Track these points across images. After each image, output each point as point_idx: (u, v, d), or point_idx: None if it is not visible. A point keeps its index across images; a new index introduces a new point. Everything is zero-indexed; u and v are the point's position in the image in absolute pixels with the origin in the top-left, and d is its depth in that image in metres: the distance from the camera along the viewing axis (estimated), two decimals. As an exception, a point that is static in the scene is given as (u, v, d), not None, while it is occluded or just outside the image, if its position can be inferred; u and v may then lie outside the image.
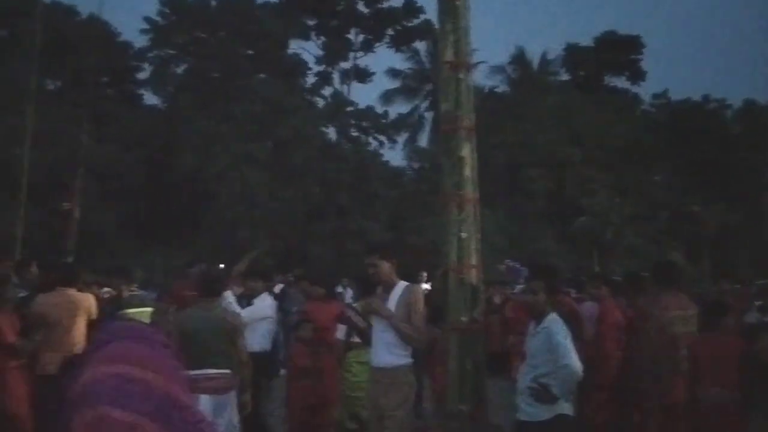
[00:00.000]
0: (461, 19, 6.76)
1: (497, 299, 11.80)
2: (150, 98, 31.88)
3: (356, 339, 6.38)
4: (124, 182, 24.07)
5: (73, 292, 6.52)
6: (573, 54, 35.10)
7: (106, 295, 7.26)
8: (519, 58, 33.84)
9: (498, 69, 33.54)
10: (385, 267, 5.45)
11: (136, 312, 6.53)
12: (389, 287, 5.42)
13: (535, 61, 33.99)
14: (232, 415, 5.36)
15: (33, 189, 21.00)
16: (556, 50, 35.46)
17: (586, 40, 36.07)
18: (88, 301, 6.57)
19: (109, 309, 6.58)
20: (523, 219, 26.80)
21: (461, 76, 6.72)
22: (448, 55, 6.74)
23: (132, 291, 6.81)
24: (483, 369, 7.16)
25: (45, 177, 22.27)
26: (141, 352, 1.47)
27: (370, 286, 6.68)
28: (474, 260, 6.82)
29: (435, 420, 7.73)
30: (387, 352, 5.25)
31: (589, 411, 7.40)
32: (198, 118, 26.30)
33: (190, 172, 25.61)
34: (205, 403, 5.24)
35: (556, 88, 32.58)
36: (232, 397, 5.42)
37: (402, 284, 5.45)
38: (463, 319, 6.76)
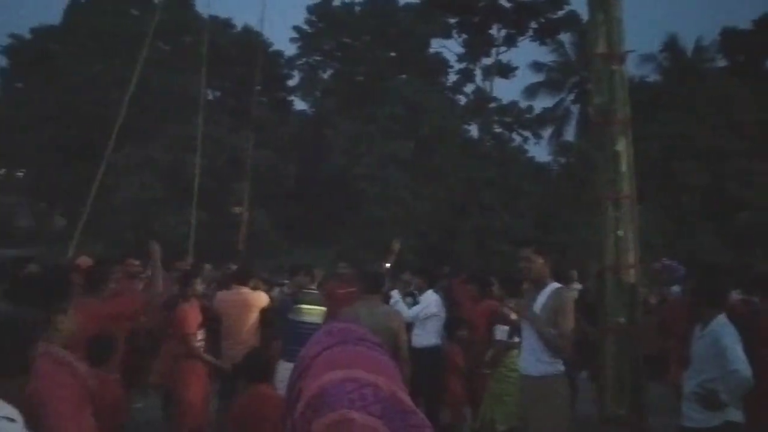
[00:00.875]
0: (613, 9, 6.53)
1: (653, 299, 11.29)
2: (299, 104, 33.26)
3: (516, 339, 6.27)
4: (277, 185, 25.25)
5: (247, 290, 6.98)
6: (730, 38, 32.73)
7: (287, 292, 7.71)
8: (671, 45, 32.03)
9: (649, 57, 31.92)
10: (539, 263, 5.18)
11: (310, 309, 6.92)
12: (540, 286, 5.18)
13: (689, 48, 32.03)
14: None
15: (200, 193, 22.56)
16: (711, 35, 33.29)
17: (744, 23, 33.57)
18: (260, 299, 7.02)
19: (285, 306, 7.07)
20: (678, 215, 25.37)
21: (614, 67, 6.49)
22: (600, 46, 6.52)
23: (310, 290, 7.16)
24: (642, 372, 6.88)
25: (211, 181, 23.84)
26: (366, 355, 1.54)
27: (515, 285, 6.58)
28: (632, 259, 6.56)
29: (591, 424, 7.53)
30: (534, 358, 4.98)
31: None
32: (344, 120, 27.12)
33: (338, 174, 26.45)
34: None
35: (713, 76, 30.50)
36: None
37: (553, 285, 5.16)
38: (621, 320, 6.53)
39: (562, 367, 4.93)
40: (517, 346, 6.18)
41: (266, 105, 28.84)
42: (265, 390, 4.28)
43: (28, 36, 31.88)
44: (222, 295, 7.19)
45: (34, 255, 7.38)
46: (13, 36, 32.16)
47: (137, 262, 7.74)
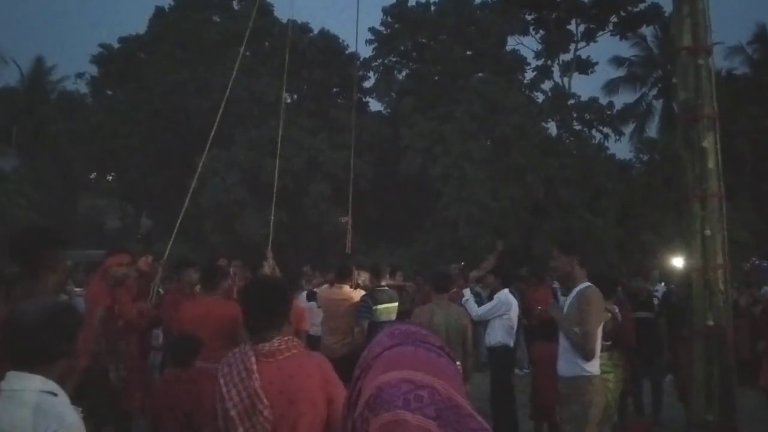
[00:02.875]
0: (699, 0, 6.33)
1: (743, 301, 10.87)
2: (374, 105, 33.44)
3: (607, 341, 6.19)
4: (354, 186, 25.51)
5: (347, 288, 7.55)
6: (823, 29, 30.98)
7: None
8: (760, 36, 30.57)
9: (737, 49, 30.56)
10: (562, 260, 5.05)
11: (386, 308, 7.17)
12: (571, 286, 5.10)
13: (780, 39, 30.53)
14: None
15: (279, 194, 23.04)
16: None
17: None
18: (357, 296, 7.42)
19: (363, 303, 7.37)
20: (770, 212, 24.23)
21: (701, 61, 6.29)
22: (686, 40, 6.34)
23: (382, 287, 7.48)
24: (732, 376, 6.63)
25: (290, 183, 24.34)
26: (425, 357, 1.56)
27: (607, 282, 6.49)
28: (720, 259, 6.34)
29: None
30: (564, 359, 4.93)
31: None
32: (420, 120, 27.10)
33: (414, 174, 26.45)
34: None
35: (806, 67, 28.98)
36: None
37: (583, 285, 5.06)
38: (710, 323, 6.31)
39: (595, 370, 4.78)
40: (608, 348, 6.08)
41: (343, 107, 29.13)
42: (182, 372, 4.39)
43: (116, 45, 33.30)
44: (325, 292, 7.82)
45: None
46: (102, 46, 33.68)
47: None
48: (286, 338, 2.63)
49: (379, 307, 7.27)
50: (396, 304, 7.56)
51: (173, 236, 7.77)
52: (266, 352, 2.60)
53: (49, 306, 2.25)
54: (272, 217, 9.33)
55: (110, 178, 33.42)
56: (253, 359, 2.59)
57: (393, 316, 7.46)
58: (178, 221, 7.94)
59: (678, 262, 9.73)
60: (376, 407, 1.49)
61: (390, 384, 1.50)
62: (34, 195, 25.54)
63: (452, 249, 23.99)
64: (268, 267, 7.76)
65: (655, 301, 9.20)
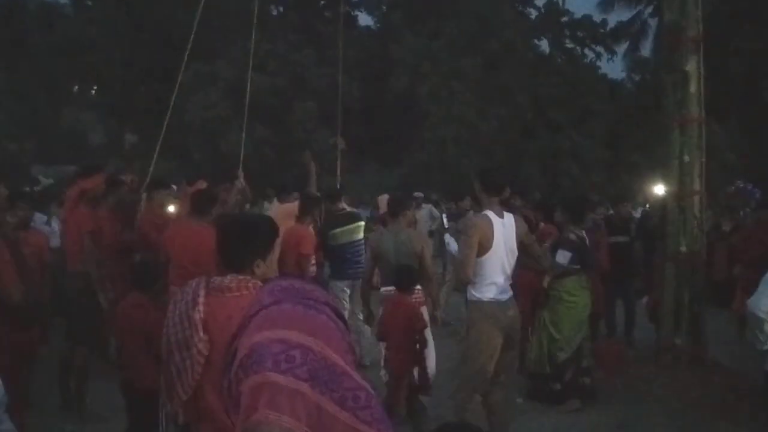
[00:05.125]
0: None
1: (726, 226, 10.90)
2: (364, 19, 32.60)
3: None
4: (340, 104, 25.14)
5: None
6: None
7: None
8: (762, -48, 29.70)
9: (736, -34, 29.74)
10: (476, 187, 4.96)
11: (343, 230, 7.18)
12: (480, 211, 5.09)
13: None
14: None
15: (262, 111, 22.71)
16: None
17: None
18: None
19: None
20: (759, 135, 24.10)
21: (689, -20, 6.06)
22: (673, -44, 6.09)
23: (340, 210, 7.44)
24: (701, 302, 6.71)
25: (274, 100, 23.92)
26: (302, 314, 1.50)
27: (578, 208, 6.47)
28: (697, 186, 6.31)
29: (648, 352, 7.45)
30: None
31: None
32: (409, 36, 26.46)
33: (403, 92, 26.03)
34: None
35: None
36: (423, 311, 5.64)
37: (476, 213, 5.19)
38: (683, 249, 6.34)
39: (481, 295, 4.77)
40: (577, 272, 6.10)
41: (330, 21, 28.37)
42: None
43: (96, -47, 31.97)
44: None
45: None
46: (82, -47, 32.33)
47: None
48: (240, 277, 2.56)
49: (336, 231, 7.33)
50: (358, 224, 7.58)
51: (156, 153, 7.65)
52: (215, 287, 2.55)
53: None
54: (243, 135, 9.12)
55: (93, 91, 32.78)
56: (203, 292, 2.54)
57: (355, 237, 7.52)
58: (161, 138, 7.80)
59: (659, 187, 9.70)
60: (247, 368, 1.46)
61: (262, 344, 1.45)
62: (15, 108, 25.06)
63: (439, 170, 23.90)
64: (238, 186, 7.67)
65: (633, 226, 9.23)
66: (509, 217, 4.82)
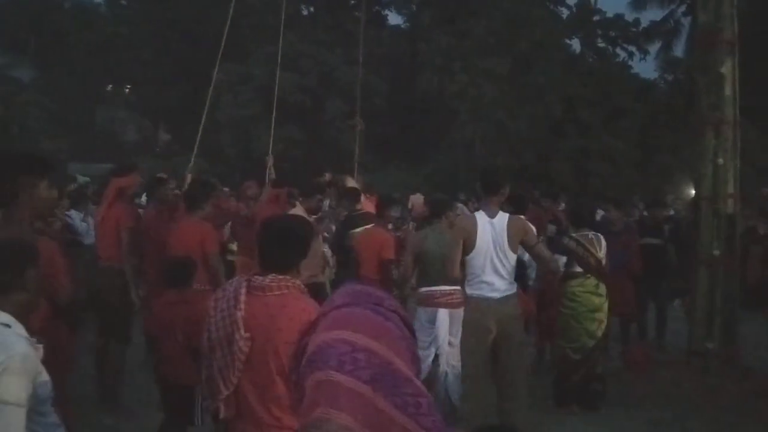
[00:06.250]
0: None
1: (761, 229, 10.73)
2: (394, 18, 32.66)
3: (577, 268, 6.12)
4: (369, 102, 25.23)
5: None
6: None
7: None
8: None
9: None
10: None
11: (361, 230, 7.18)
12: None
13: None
14: (459, 329, 5.55)
15: (291, 110, 22.88)
16: None
17: None
18: None
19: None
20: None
21: (724, -19, 6.01)
22: (709, -43, 6.04)
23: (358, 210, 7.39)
24: (734, 306, 6.64)
25: (305, 98, 24.07)
26: (370, 319, 1.55)
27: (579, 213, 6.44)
28: (731, 189, 6.25)
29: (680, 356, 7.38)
30: None
31: None
32: (438, 35, 26.44)
33: (431, 91, 26.02)
34: (443, 315, 5.65)
35: None
36: (462, 312, 5.65)
37: None
38: (716, 252, 6.28)
39: (469, 291, 5.01)
40: (578, 275, 6.05)
41: (360, 20, 28.46)
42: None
43: (131, -47, 32.41)
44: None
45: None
46: (116, -47, 32.83)
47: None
48: (281, 277, 2.64)
49: (355, 231, 7.14)
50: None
51: (194, 152, 7.76)
52: (257, 285, 2.63)
53: None
54: (272, 130, 9.24)
55: (127, 90, 33.28)
56: (244, 290, 2.62)
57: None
58: (198, 137, 7.93)
59: (691, 189, 9.60)
60: (312, 364, 1.51)
61: (328, 343, 1.50)
62: (51, 106, 25.53)
63: (467, 169, 23.85)
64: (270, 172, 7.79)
65: (666, 226, 9.13)
66: (502, 218, 4.86)
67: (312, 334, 1.60)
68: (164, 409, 4.46)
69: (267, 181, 8.28)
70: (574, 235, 6.11)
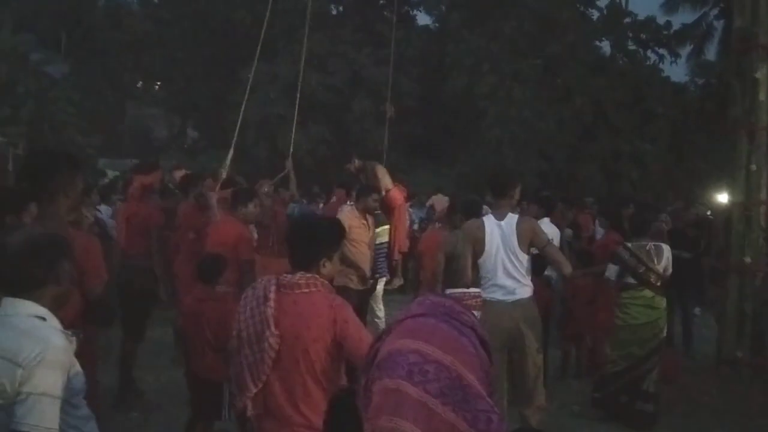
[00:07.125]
0: None
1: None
2: (423, 19, 32.61)
3: (631, 279, 5.98)
4: (398, 102, 25.22)
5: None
6: None
7: None
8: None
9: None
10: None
11: (382, 230, 7.13)
12: None
13: None
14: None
15: (319, 109, 22.96)
16: None
17: None
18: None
19: None
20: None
21: (761, -15, 5.92)
22: (746, -40, 5.95)
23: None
24: (765, 314, 6.54)
25: (333, 98, 24.11)
26: (445, 332, 1.54)
27: (638, 221, 6.34)
28: (764, 195, 6.16)
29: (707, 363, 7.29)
30: None
31: None
32: (468, 36, 26.34)
33: (460, 92, 25.93)
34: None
35: None
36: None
37: None
38: (747, 259, 6.19)
39: (485, 294, 4.95)
40: (631, 287, 5.94)
41: (389, 20, 28.45)
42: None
43: (163, -48, 32.75)
44: None
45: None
46: (148, -48, 33.20)
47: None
48: (309, 275, 2.67)
49: (379, 230, 7.15)
50: (384, 227, 7.35)
51: (230, 154, 7.77)
52: (286, 284, 2.66)
53: (32, 236, 2.34)
54: (293, 129, 9.26)
55: (156, 87, 33.65)
56: (273, 288, 2.65)
57: (383, 239, 7.32)
58: (234, 140, 7.95)
59: (722, 195, 9.44)
60: (381, 371, 1.51)
61: (400, 352, 1.50)
62: (83, 102, 25.88)
63: (495, 170, 23.72)
64: (291, 178, 7.85)
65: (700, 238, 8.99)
66: (511, 219, 4.82)
67: (385, 339, 1.60)
68: (192, 403, 4.50)
69: (289, 183, 8.33)
70: (629, 245, 5.97)
